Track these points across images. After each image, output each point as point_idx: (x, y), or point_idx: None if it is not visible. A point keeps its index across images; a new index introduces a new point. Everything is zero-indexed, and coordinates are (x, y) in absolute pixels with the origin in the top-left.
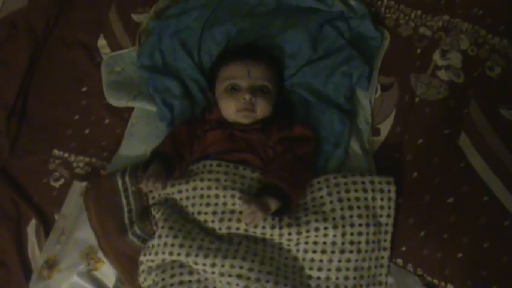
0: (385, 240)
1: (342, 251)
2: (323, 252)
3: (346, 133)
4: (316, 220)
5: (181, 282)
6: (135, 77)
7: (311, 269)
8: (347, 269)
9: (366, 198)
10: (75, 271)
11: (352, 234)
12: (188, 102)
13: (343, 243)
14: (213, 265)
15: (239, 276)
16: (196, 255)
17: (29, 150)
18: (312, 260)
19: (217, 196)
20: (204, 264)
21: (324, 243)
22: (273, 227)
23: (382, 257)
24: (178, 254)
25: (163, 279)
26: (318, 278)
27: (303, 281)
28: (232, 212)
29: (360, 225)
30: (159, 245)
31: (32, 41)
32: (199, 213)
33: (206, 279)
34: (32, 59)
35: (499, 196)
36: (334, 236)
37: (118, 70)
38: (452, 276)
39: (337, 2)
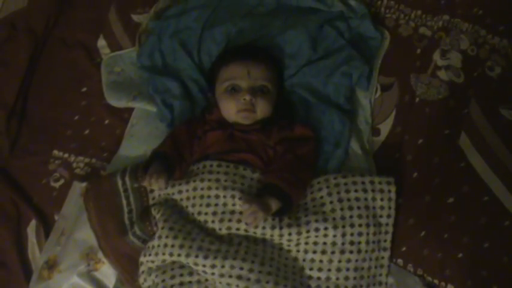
0: (385, 241)
1: (342, 251)
2: (323, 252)
3: (346, 133)
4: (317, 220)
5: (181, 283)
6: (135, 77)
7: (311, 269)
8: (347, 269)
9: (366, 199)
10: (75, 271)
11: (352, 234)
12: (188, 102)
13: (343, 244)
14: (213, 266)
15: (239, 277)
16: (196, 256)
17: (29, 150)
18: (312, 260)
19: (217, 196)
20: (204, 265)
21: (324, 243)
22: (273, 228)
23: (383, 257)
24: (178, 255)
25: (163, 280)
26: (318, 278)
27: (303, 282)
28: (233, 212)
29: (360, 225)
30: (159, 245)
31: (31, 42)
32: (199, 213)
33: (206, 280)
34: (31, 59)
35: (499, 196)
36: (334, 236)
37: (118, 70)
38: (453, 276)
39: (337, 2)
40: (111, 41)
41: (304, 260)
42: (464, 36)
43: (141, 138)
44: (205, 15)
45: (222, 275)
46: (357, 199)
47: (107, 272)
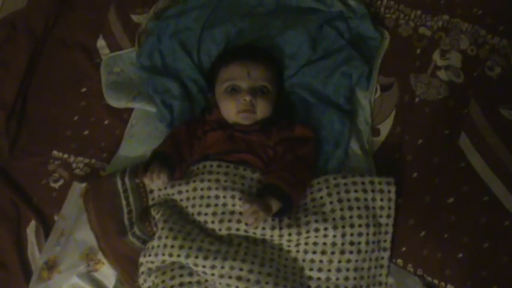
0: (385, 241)
1: (342, 252)
2: (323, 252)
3: (346, 133)
4: (316, 221)
5: (181, 284)
6: (134, 77)
7: (311, 269)
8: (347, 270)
9: (365, 199)
10: (75, 272)
11: (352, 234)
12: (188, 102)
13: (343, 244)
14: (213, 267)
15: (239, 278)
16: (196, 257)
17: (29, 151)
18: (312, 260)
19: (217, 197)
20: (204, 266)
21: (324, 243)
22: (273, 228)
23: (382, 258)
24: (178, 256)
25: (163, 281)
26: (318, 278)
27: (303, 282)
28: (232, 212)
29: (360, 225)
30: (158, 246)
31: (31, 42)
32: (199, 214)
33: (206, 280)
34: (31, 59)
35: (499, 196)
36: (334, 236)
37: (117, 71)
38: (453, 277)
39: (337, 2)
40: (110, 41)
41: (304, 261)
42: (464, 36)
43: (140, 139)
44: (205, 15)
45: (221, 276)
46: (357, 199)
47: (107, 273)
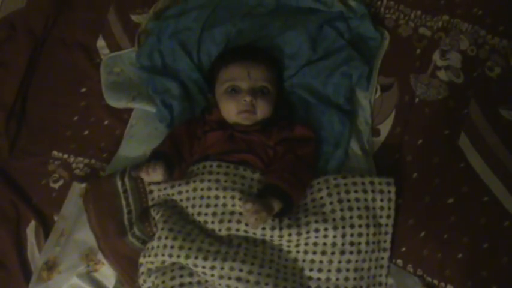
0: (385, 241)
1: (342, 252)
2: (323, 253)
3: (346, 134)
4: (316, 221)
5: (181, 284)
6: (134, 78)
7: (311, 270)
8: (347, 270)
9: (366, 199)
10: (74, 272)
11: (352, 235)
12: (187, 103)
13: (343, 244)
14: (213, 267)
15: (238, 279)
16: (196, 258)
17: (28, 151)
18: (312, 261)
19: (217, 197)
20: (204, 267)
21: (324, 244)
22: (273, 228)
23: (382, 258)
24: (178, 256)
25: (163, 282)
26: (318, 279)
27: (303, 282)
28: (232, 213)
29: (360, 226)
30: (158, 246)
31: (31, 42)
32: (199, 214)
33: (206, 281)
34: (31, 59)
35: (499, 196)
36: (334, 237)
37: (117, 71)
38: (452, 277)
39: (337, 3)
40: (110, 41)
41: (304, 261)
42: (464, 36)
43: (140, 139)
44: (205, 15)
45: (221, 277)
46: (357, 200)
47: (107, 273)
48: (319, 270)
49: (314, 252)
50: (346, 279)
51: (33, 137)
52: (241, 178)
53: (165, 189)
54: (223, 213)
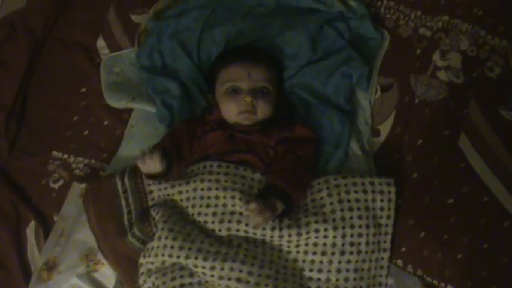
0: (385, 242)
1: (342, 253)
2: (323, 253)
3: (346, 134)
4: (316, 221)
5: (182, 285)
6: (134, 78)
7: (311, 270)
8: (347, 270)
9: (366, 200)
10: (74, 273)
11: (352, 235)
12: (188, 103)
13: (343, 245)
14: (212, 268)
15: (238, 279)
16: (196, 258)
17: (28, 151)
18: (312, 261)
19: (217, 197)
20: (204, 267)
21: (324, 244)
22: (273, 229)
23: (382, 258)
24: (178, 256)
25: (164, 283)
26: (318, 279)
27: (303, 283)
28: (233, 213)
29: (360, 226)
30: (158, 246)
31: (30, 42)
32: (199, 214)
33: (207, 281)
34: (30, 59)
35: (499, 197)
36: (334, 237)
37: (117, 71)
38: (452, 277)
39: (337, 3)
40: (110, 41)
41: (304, 261)
42: (464, 36)
43: (140, 139)
44: (205, 15)
45: (221, 277)
46: (357, 200)
47: (107, 273)
48: (319, 271)
49: (314, 253)
50: (346, 279)
51: (33, 137)
52: (242, 178)
53: (165, 189)
54: (223, 213)
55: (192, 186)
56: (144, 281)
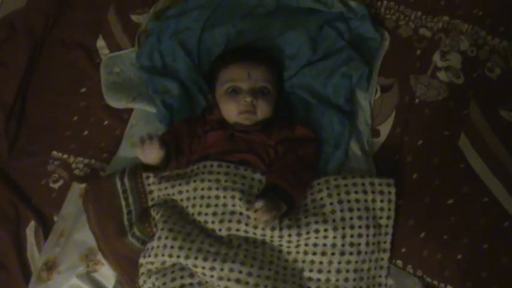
0: (385, 242)
1: (342, 253)
2: (323, 254)
3: (346, 134)
4: (316, 222)
5: (182, 286)
6: (134, 78)
7: (311, 271)
8: (347, 271)
9: (366, 200)
10: (74, 273)
11: (352, 236)
12: (188, 103)
13: (343, 245)
14: (212, 268)
15: (238, 280)
16: (196, 258)
17: (28, 151)
18: (312, 262)
19: (217, 197)
20: (203, 268)
21: (324, 245)
22: (273, 229)
23: (382, 259)
24: (178, 256)
25: (164, 283)
26: (318, 279)
27: (302, 283)
28: (233, 213)
29: (360, 226)
30: (158, 247)
31: (30, 42)
32: (199, 214)
33: (207, 282)
34: (31, 59)
35: (499, 197)
36: (334, 237)
37: (117, 71)
38: (452, 278)
39: (337, 3)
40: (110, 41)
41: (304, 262)
42: (464, 37)
43: None
44: (205, 15)
45: (220, 278)
46: (357, 200)
47: (107, 274)
48: (319, 271)
49: (314, 253)
50: (346, 280)
51: (33, 137)
52: (242, 178)
53: (165, 189)
54: (223, 213)
55: (192, 186)
56: (144, 281)
